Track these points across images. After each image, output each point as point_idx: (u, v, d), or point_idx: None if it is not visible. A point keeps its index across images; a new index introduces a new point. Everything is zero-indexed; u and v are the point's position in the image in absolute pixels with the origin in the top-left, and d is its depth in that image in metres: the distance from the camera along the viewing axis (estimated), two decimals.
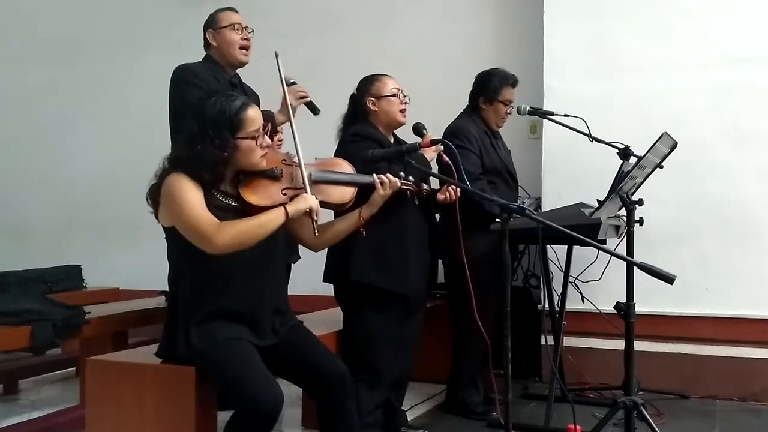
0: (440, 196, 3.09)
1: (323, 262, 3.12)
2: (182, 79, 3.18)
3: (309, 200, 2.41)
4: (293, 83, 3.18)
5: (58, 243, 5.84)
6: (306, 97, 3.20)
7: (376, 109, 3.11)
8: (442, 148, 2.98)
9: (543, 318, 3.82)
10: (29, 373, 4.39)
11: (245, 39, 3.32)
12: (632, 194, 3.21)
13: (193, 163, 2.29)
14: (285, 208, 2.35)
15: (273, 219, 2.34)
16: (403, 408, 3.34)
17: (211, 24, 3.35)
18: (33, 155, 6.20)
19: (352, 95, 3.20)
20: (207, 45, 3.36)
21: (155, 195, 2.34)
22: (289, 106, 2.88)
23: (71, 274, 4.73)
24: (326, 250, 3.09)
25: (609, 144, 3.39)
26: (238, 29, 3.30)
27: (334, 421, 2.47)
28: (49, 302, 3.49)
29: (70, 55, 6.07)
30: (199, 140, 2.30)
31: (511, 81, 3.77)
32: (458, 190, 2.98)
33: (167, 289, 2.56)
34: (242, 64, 3.36)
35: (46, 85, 6.15)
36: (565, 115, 3.56)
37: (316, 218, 2.42)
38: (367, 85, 3.16)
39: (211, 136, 2.29)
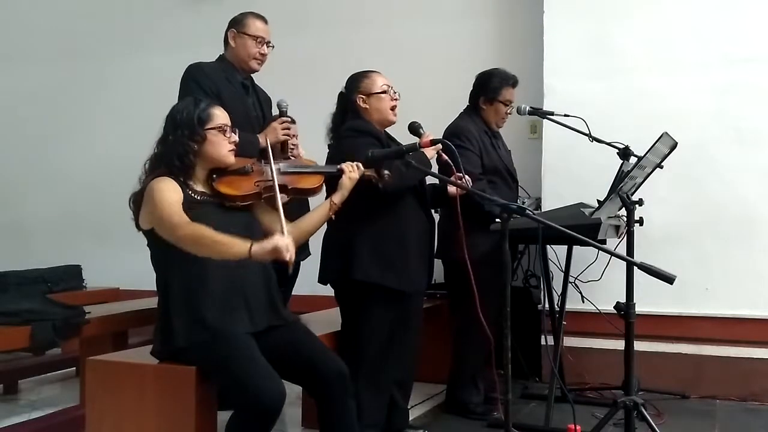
0: (451, 189, 3.10)
1: None
2: (191, 78, 3.19)
3: (276, 240, 2.22)
4: (285, 111, 3.18)
5: (58, 243, 5.83)
6: (287, 136, 3.15)
7: (367, 106, 3.09)
8: (440, 146, 2.98)
9: (543, 318, 3.81)
10: (29, 373, 4.38)
11: (262, 54, 3.30)
12: (632, 194, 3.21)
13: (164, 155, 2.45)
14: (251, 245, 2.23)
15: (235, 246, 2.24)
16: (407, 409, 3.34)
17: (237, 24, 3.30)
18: (33, 155, 6.19)
19: (341, 93, 3.17)
20: (226, 41, 3.33)
21: (138, 200, 2.45)
22: (274, 134, 3.06)
23: (71, 274, 4.72)
24: (320, 251, 3.09)
25: (609, 144, 3.39)
26: (260, 43, 3.27)
27: (334, 419, 2.48)
28: (49, 302, 3.49)
29: (70, 55, 6.07)
30: (171, 135, 2.47)
31: (512, 81, 3.77)
32: (467, 179, 2.99)
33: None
34: (252, 72, 3.36)
35: (46, 85, 6.15)
36: (565, 115, 3.56)
37: (289, 259, 2.25)
38: (356, 82, 3.13)
39: (180, 130, 2.46)
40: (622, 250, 3.00)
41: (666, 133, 3.02)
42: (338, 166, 2.75)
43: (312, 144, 3.14)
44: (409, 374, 3.26)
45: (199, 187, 2.50)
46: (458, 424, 3.58)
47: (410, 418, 3.37)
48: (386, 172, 2.79)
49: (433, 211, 3.33)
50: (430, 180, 3.16)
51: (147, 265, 2.53)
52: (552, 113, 3.66)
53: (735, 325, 3.96)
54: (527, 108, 3.70)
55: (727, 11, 4.07)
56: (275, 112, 3.30)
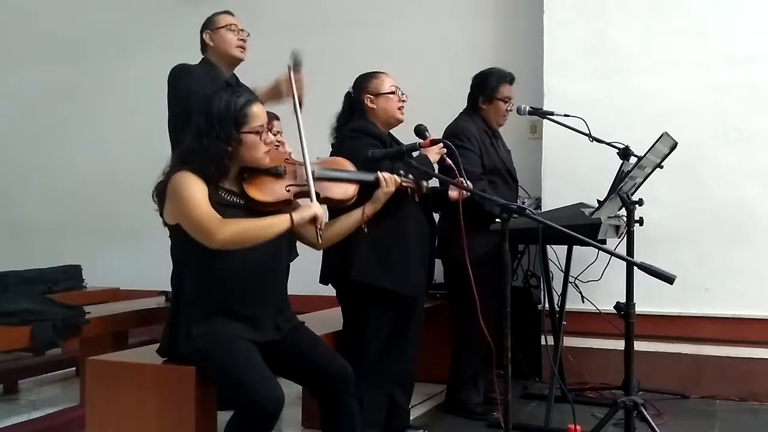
0: (453, 194, 3.10)
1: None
2: (177, 76, 3.23)
3: (314, 209, 2.40)
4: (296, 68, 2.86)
5: (58, 243, 5.84)
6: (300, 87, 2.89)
7: (374, 106, 3.10)
8: (444, 150, 2.97)
9: (543, 318, 3.82)
10: (29, 373, 4.39)
11: (241, 39, 3.37)
12: (632, 194, 3.21)
13: (198, 158, 2.32)
14: (291, 215, 2.34)
15: (276, 223, 2.34)
16: (408, 410, 3.33)
17: (208, 25, 3.40)
18: (33, 155, 6.20)
19: (348, 93, 3.19)
20: (204, 47, 3.41)
21: (162, 192, 2.36)
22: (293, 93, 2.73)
23: (71, 274, 4.72)
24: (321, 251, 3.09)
25: (609, 144, 3.39)
26: (234, 30, 3.35)
27: (337, 419, 2.48)
28: (49, 302, 3.49)
29: (70, 55, 6.07)
30: (205, 135, 2.34)
31: (508, 78, 3.78)
32: (468, 185, 2.98)
33: (168, 289, 2.57)
34: (239, 61, 3.41)
35: (46, 85, 6.15)
36: (565, 115, 3.56)
37: (320, 227, 2.43)
38: (365, 82, 3.14)
39: (216, 130, 2.33)
40: (622, 250, 3.00)
41: (666, 133, 3.02)
42: (375, 176, 2.68)
43: (312, 144, 3.13)
44: (410, 375, 3.26)
45: (228, 185, 2.42)
46: (458, 424, 3.58)
47: (410, 418, 3.37)
48: (426, 184, 2.78)
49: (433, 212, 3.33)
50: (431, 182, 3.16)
51: (147, 265, 2.55)
52: (552, 113, 3.66)
53: (735, 325, 3.96)
54: (527, 108, 3.70)
55: (727, 11, 4.07)
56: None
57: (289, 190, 2.47)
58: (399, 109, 3.13)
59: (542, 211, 4.03)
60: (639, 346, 3.19)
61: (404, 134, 3.19)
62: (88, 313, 3.50)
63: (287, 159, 2.56)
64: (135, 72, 5.80)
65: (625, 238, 3.09)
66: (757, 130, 3.99)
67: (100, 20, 6.03)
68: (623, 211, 3.17)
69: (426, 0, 5.12)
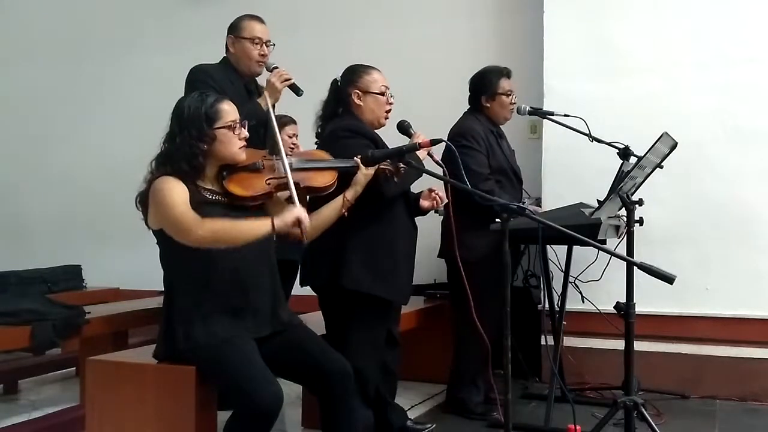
0: (424, 203, 3.03)
1: None
2: (196, 79, 3.19)
3: (296, 212, 2.38)
4: (275, 67, 3.20)
5: (58, 243, 5.84)
6: (289, 79, 3.16)
7: (361, 104, 3.00)
8: (431, 147, 2.93)
9: (543, 318, 3.81)
10: (29, 373, 4.38)
11: (262, 55, 3.31)
12: (632, 194, 3.21)
13: (173, 157, 2.38)
14: (272, 219, 2.34)
15: (257, 227, 2.34)
16: (402, 407, 3.33)
17: (234, 30, 3.33)
18: (33, 155, 6.20)
19: (335, 82, 3.09)
20: (227, 48, 3.36)
21: (144, 199, 2.40)
22: (274, 89, 3.07)
23: (71, 274, 4.73)
24: (304, 254, 3.04)
25: (609, 144, 3.39)
26: (258, 44, 3.29)
27: (337, 418, 2.48)
28: (49, 302, 3.49)
29: (70, 55, 6.07)
30: (178, 135, 2.39)
31: (505, 72, 3.78)
32: (445, 195, 2.93)
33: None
34: (256, 75, 3.38)
35: (46, 85, 6.15)
36: (565, 115, 3.56)
37: (304, 229, 2.39)
38: (355, 76, 3.04)
39: (188, 129, 2.38)
40: (622, 250, 3.00)
41: (666, 133, 3.02)
42: (353, 161, 2.69)
43: (311, 145, 3.14)
44: (392, 374, 3.22)
45: (208, 185, 2.45)
46: (458, 424, 3.58)
47: (410, 418, 3.37)
48: (401, 165, 2.74)
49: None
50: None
51: (147, 265, 2.54)
52: (552, 113, 3.66)
53: (735, 325, 3.96)
54: (527, 108, 3.70)
55: (727, 11, 4.07)
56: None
57: (269, 183, 2.50)
58: (386, 112, 3.03)
59: (542, 211, 4.03)
60: (639, 346, 3.20)
61: (388, 131, 3.12)
62: (88, 313, 3.50)
63: (264, 156, 2.59)
64: (135, 72, 5.80)
65: (625, 238, 3.09)
66: (757, 130, 3.99)
67: (100, 20, 6.03)
68: (623, 211, 3.17)
69: (426, 0, 5.12)
